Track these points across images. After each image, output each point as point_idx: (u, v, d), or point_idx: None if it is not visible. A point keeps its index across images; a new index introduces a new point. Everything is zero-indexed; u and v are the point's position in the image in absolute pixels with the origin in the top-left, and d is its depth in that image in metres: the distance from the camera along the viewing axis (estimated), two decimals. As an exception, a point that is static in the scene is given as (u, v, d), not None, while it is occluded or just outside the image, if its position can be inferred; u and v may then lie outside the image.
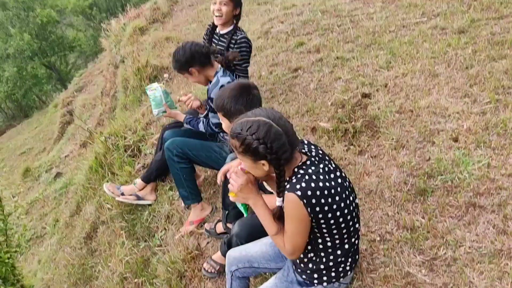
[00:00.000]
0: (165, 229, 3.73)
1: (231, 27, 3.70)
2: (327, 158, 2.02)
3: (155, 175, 3.96)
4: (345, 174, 2.02)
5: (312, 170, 1.90)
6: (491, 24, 4.19)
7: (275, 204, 2.03)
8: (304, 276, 2.08)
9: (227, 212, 3.07)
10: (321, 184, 1.85)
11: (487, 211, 2.45)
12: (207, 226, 3.34)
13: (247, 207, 2.27)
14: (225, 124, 2.46)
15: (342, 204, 1.90)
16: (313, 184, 1.83)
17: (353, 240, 2.04)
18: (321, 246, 2.00)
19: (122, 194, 3.96)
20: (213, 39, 3.87)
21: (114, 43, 8.35)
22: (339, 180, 1.94)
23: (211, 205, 3.54)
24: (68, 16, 32.48)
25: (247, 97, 2.34)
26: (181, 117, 3.46)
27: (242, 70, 3.65)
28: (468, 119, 3.11)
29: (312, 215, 1.85)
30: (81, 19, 32.44)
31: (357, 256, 2.13)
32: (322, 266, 2.02)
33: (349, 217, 1.95)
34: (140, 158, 4.56)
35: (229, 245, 2.66)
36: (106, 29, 8.87)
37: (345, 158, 3.20)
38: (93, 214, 4.47)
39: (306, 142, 2.07)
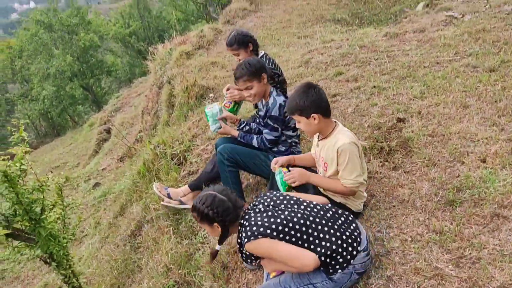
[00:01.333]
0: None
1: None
2: (266, 197, 2.63)
3: (201, 184, 4.35)
4: (296, 199, 2.62)
5: (248, 216, 2.50)
6: (521, 65, 4.51)
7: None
8: (322, 269, 2.45)
9: None
10: (259, 222, 2.43)
11: (509, 221, 2.73)
12: None
13: (286, 185, 2.93)
14: (303, 123, 2.84)
15: (288, 218, 2.44)
16: (253, 222, 2.43)
17: (338, 237, 2.44)
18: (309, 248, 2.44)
19: (168, 194, 4.34)
20: None
21: (159, 66, 8.93)
22: (280, 208, 2.53)
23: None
24: (109, 42, 34.01)
25: (314, 90, 2.78)
26: (235, 132, 3.85)
27: (282, 90, 4.06)
28: (496, 144, 3.41)
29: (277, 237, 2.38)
30: (119, 45, 33.89)
31: (355, 244, 2.44)
32: (323, 259, 2.40)
33: (306, 223, 2.44)
34: (186, 165, 4.96)
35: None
36: (153, 53, 9.47)
37: (380, 172, 3.52)
38: (139, 214, 4.85)
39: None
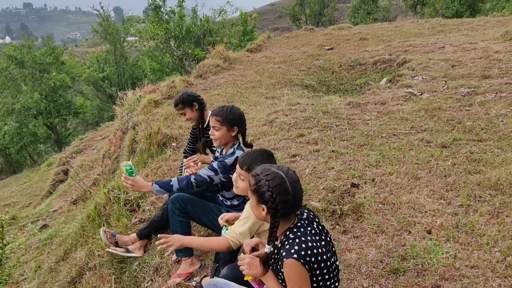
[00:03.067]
0: (152, 279, 3.92)
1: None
2: (316, 221, 2.39)
3: (150, 233, 4.25)
4: (330, 238, 2.37)
5: (301, 232, 2.25)
6: (471, 145, 4.74)
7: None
8: None
9: (217, 265, 3.33)
10: (310, 244, 2.19)
11: (449, 293, 2.76)
12: (194, 281, 3.56)
13: None
14: (245, 182, 2.80)
15: (326, 263, 2.23)
16: (303, 245, 2.16)
17: None
18: None
19: (116, 242, 4.20)
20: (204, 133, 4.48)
21: (126, 111, 8.93)
22: (323, 243, 2.29)
23: (200, 262, 3.78)
24: (80, 84, 33.92)
25: (270, 160, 2.78)
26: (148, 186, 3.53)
27: None
28: (442, 217, 3.51)
29: (309, 272, 2.17)
30: (91, 88, 33.83)
31: None
32: None
33: (330, 275, 2.26)
34: (138, 213, 4.85)
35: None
36: (122, 98, 9.50)
37: (331, 235, 3.53)
38: (82, 260, 4.64)
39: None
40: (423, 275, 2.94)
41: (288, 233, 2.25)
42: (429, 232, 3.36)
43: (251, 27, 24.39)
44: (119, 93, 10.02)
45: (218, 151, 3.85)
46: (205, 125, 4.37)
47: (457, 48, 9.83)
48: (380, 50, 11.36)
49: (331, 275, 2.26)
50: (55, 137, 31.33)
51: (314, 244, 2.20)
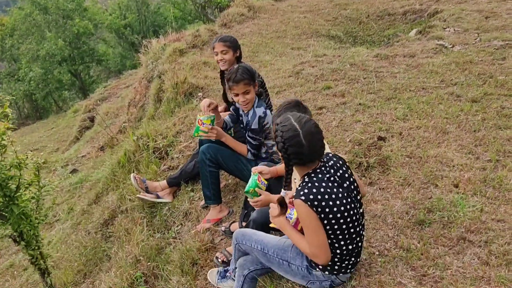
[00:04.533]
0: (181, 224, 4.10)
1: None
2: (342, 169, 2.45)
3: (180, 181, 4.38)
4: (355, 186, 2.45)
5: (317, 178, 2.36)
6: (502, 100, 4.65)
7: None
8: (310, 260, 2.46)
9: (246, 211, 3.44)
10: (321, 189, 2.30)
11: (474, 245, 2.82)
12: (223, 226, 3.71)
13: (253, 187, 2.90)
14: None
15: (343, 210, 2.33)
16: (314, 190, 2.29)
17: (355, 242, 2.43)
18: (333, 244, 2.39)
19: (146, 188, 4.35)
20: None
21: (151, 60, 8.93)
22: (342, 189, 2.38)
23: (229, 208, 3.91)
24: (103, 31, 33.76)
25: (298, 109, 2.80)
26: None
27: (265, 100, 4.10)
28: (470, 171, 3.53)
29: (318, 215, 2.28)
30: (113, 36, 33.66)
31: (358, 259, 2.52)
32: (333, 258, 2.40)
33: (351, 223, 2.36)
34: (167, 160, 4.98)
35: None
36: (146, 47, 9.47)
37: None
38: (114, 203, 4.84)
39: (331, 154, 2.52)
40: (449, 227, 2.99)
41: (306, 177, 2.39)
42: (456, 186, 3.39)
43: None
44: (143, 41, 9.97)
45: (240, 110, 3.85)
46: None
47: (492, -1, 9.40)
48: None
49: (350, 219, 2.36)
50: (79, 84, 31.70)
51: (328, 190, 2.31)
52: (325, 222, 2.31)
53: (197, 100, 6.06)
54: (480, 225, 2.96)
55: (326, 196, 2.29)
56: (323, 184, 2.32)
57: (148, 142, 5.23)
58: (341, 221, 2.33)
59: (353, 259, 2.48)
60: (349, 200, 2.37)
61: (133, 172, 4.93)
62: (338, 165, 2.46)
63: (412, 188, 3.47)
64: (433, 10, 9.46)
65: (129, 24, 31.99)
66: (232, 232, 3.59)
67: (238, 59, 4.16)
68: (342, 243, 2.38)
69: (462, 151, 3.86)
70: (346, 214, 2.34)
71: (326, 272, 2.47)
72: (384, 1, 11.42)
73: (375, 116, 4.67)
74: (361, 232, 2.47)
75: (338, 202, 2.31)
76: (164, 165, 4.96)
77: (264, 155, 3.73)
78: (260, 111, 3.51)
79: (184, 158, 4.91)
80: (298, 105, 2.85)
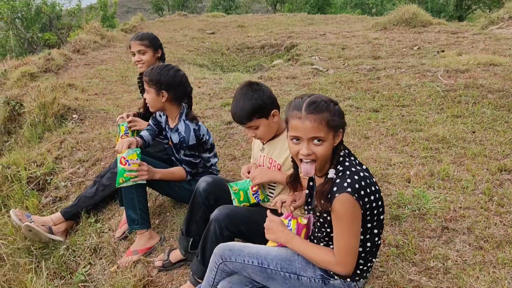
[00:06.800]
0: (90, 263, 3.19)
1: None
2: (352, 153, 2.08)
3: (80, 212, 3.47)
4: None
5: (352, 163, 1.92)
6: (398, 109, 4.90)
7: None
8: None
9: (191, 239, 2.77)
10: (361, 174, 1.86)
11: (459, 233, 2.70)
12: (157, 261, 2.93)
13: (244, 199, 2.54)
14: (263, 126, 2.43)
15: (378, 195, 1.93)
16: (356, 177, 1.83)
17: (381, 237, 2.05)
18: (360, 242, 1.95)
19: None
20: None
21: (-13, 88, 7.43)
22: (370, 174, 1.99)
23: (159, 235, 3.17)
24: None
25: (258, 85, 2.46)
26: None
27: None
28: (413, 168, 3.50)
29: (363, 209, 1.84)
30: None
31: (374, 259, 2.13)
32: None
33: (382, 210, 1.96)
34: (50, 191, 3.96)
35: (205, 236, 2.43)
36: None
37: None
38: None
39: None
40: (425, 220, 2.84)
41: (339, 166, 1.89)
42: (409, 181, 3.31)
43: (111, 13, 22.75)
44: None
45: (161, 118, 3.26)
46: None
47: (338, 35, 10.38)
48: (264, 35, 11.45)
49: (383, 210, 1.98)
50: None
51: (366, 174, 1.89)
52: (368, 213, 1.86)
53: (72, 123, 5.08)
54: (454, 214, 2.88)
55: (368, 181, 1.85)
56: (358, 168, 1.88)
57: (18, 171, 4.11)
58: (380, 209, 1.92)
59: (374, 259, 2.08)
60: (377, 185, 1.98)
61: (0, 210, 3.79)
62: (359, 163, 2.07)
63: (367, 187, 3.27)
64: (289, 44, 9.97)
65: None
66: (174, 264, 2.88)
67: (161, 59, 3.56)
68: (376, 239, 1.97)
69: (393, 151, 3.86)
70: (380, 202, 1.94)
71: (348, 280, 2.01)
72: (239, 37, 11.74)
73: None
74: (383, 222, 2.08)
75: (373, 188, 1.89)
76: (46, 196, 3.92)
77: (201, 170, 3.15)
78: (192, 125, 2.96)
79: (74, 186, 3.97)
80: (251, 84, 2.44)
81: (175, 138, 3.02)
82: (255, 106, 2.34)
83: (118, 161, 2.81)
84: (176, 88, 2.96)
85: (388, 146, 3.95)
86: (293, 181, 2.16)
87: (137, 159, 2.82)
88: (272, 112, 2.42)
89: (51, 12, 19.97)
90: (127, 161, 2.79)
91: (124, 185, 2.86)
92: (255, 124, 2.40)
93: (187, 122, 2.96)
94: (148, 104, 3.02)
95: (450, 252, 2.54)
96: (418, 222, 2.82)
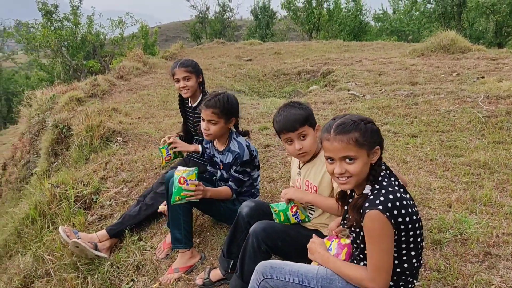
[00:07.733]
0: (133, 280, 3.29)
1: (200, 97, 3.80)
2: (393, 175, 2.11)
3: (124, 230, 3.61)
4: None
5: (388, 182, 1.96)
6: (437, 135, 4.86)
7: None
8: None
9: (232, 261, 2.83)
10: (398, 194, 1.90)
11: (503, 259, 2.65)
12: (198, 280, 3.00)
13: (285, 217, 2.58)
14: (311, 137, 2.48)
15: (415, 219, 1.95)
16: (391, 196, 1.86)
17: (420, 259, 2.05)
18: (396, 262, 1.97)
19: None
20: (188, 113, 3.96)
21: (37, 112, 7.84)
22: (408, 194, 2.02)
23: (200, 254, 3.25)
24: None
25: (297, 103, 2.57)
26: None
27: None
28: (454, 193, 3.46)
29: (395, 228, 1.87)
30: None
31: (415, 281, 2.12)
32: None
33: (420, 232, 1.98)
34: (96, 209, 4.12)
35: (244, 250, 2.51)
36: (29, 98, 8.37)
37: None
38: (28, 267, 3.75)
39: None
40: (467, 244, 2.80)
41: (376, 184, 1.94)
42: (450, 206, 3.28)
43: (152, 41, 23.60)
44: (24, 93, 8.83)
45: (205, 142, 3.39)
46: (195, 104, 3.82)
47: (374, 62, 10.40)
48: (300, 62, 11.60)
49: (420, 231, 1.98)
50: None
51: (403, 195, 1.92)
52: (403, 234, 1.89)
53: (116, 145, 5.30)
54: (497, 239, 2.83)
55: (404, 202, 1.88)
56: (396, 188, 1.93)
57: (66, 190, 4.30)
58: (417, 232, 1.94)
59: (415, 281, 2.08)
60: (415, 207, 2.01)
61: (48, 228, 3.98)
62: (390, 170, 2.12)
63: (407, 211, 3.26)
64: (325, 70, 10.06)
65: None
66: (214, 283, 2.94)
67: (201, 85, 3.73)
68: (413, 260, 1.98)
69: (432, 176, 3.83)
70: (417, 225, 1.96)
71: None
72: (275, 64, 11.93)
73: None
74: (423, 244, 2.09)
75: (410, 210, 1.92)
76: (92, 215, 4.08)
77: (245, 189, 3.24)
78: (243, 140, 3.11)
79: (118, 205, 4.12)
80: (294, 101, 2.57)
81: (227, 158, 3.13)
82: (307, 113, 2.46)
83: (177, 180, 2.89)
84: (239, 112, 3.13)
85: (428, 171, 3.93)
86: (341, 198, 2.20)
87: (195, 179, 2.93)
88: (317, 126, 2.50)
89: (96, 40, 20.93)
90: (186, 180, 2.89)
91: (179, 202, 2.96)
92: (306, 132, 2.46)
93: (238, 139, 3.10)
94: (211, 135, 3.09)
95: (493, 278, 2.50)
96: (460, 247, 2.78)
